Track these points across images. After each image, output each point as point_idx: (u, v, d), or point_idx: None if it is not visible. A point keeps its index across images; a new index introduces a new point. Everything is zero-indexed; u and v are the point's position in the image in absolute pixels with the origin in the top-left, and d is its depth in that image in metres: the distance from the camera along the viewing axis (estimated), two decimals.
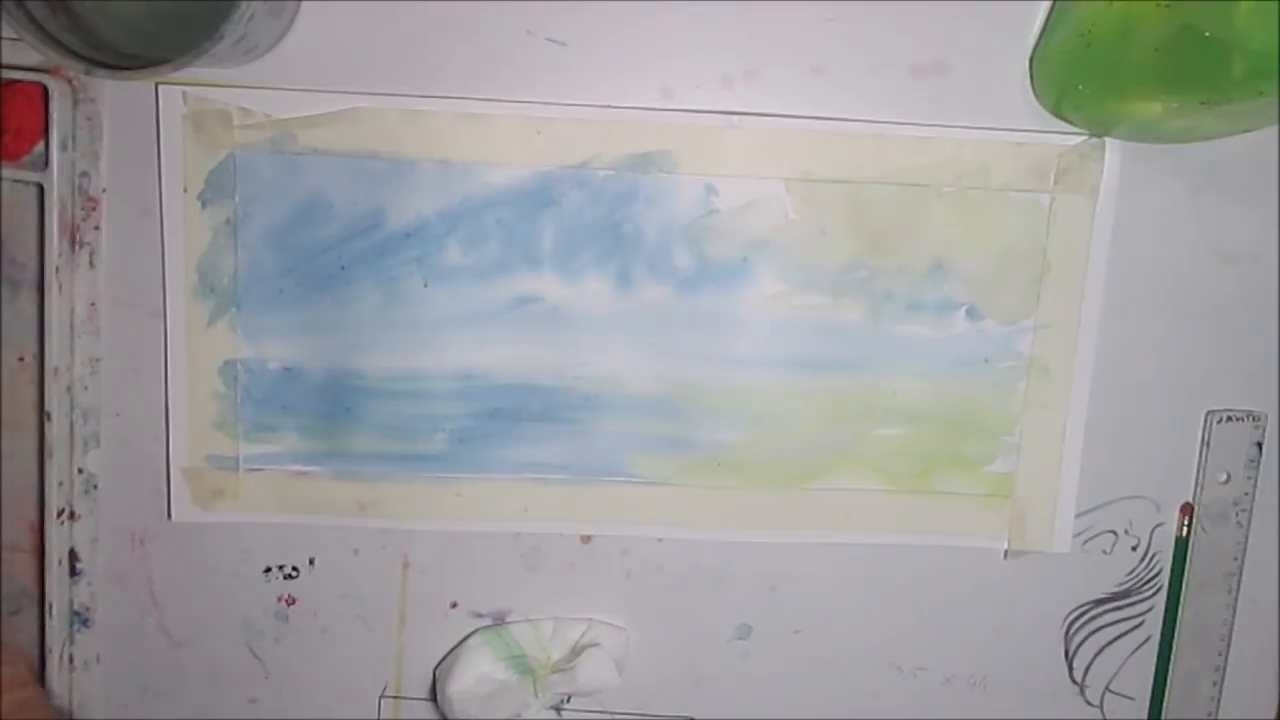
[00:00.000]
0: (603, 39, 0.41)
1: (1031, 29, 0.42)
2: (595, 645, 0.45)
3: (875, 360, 0.44)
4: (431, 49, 0.41)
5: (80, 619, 0.45)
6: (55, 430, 0.43)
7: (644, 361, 0.44)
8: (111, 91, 0.42)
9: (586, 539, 0.46)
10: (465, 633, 0.46)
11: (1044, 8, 0.41)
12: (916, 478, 0.45)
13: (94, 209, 0.42)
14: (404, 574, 0.46)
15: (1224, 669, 0.47)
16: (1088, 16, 0.38)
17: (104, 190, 0.42)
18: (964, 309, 0.44)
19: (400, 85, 0.41)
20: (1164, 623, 0.47)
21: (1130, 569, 0.47)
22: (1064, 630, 0.47)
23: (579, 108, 0.42)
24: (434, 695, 0.47)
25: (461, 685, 0.45)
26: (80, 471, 0.44)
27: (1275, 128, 0.42)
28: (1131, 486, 0.46)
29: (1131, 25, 0.36)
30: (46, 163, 0.41)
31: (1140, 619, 0.47)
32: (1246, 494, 0.46)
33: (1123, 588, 0.47)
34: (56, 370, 0.42)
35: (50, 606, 0.44)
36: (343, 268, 0.43)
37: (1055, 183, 0.43)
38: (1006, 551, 0.46)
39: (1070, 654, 0.47)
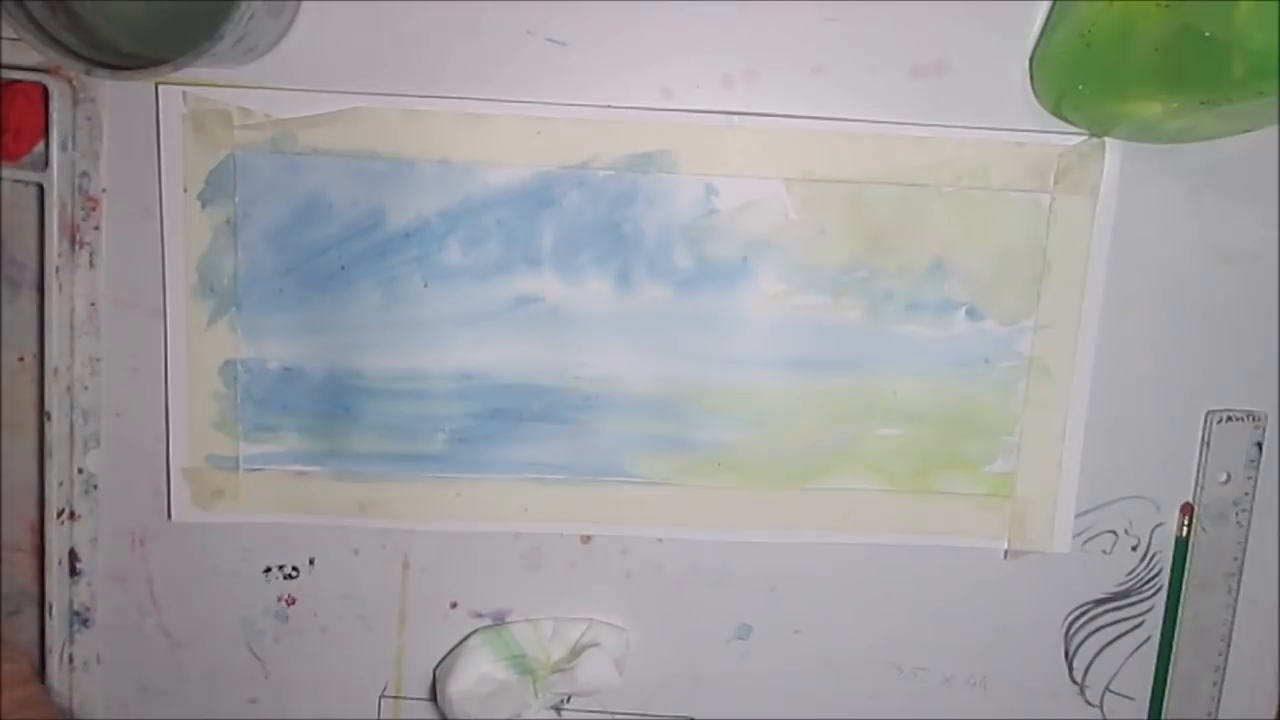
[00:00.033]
0: (603, 39, 0.41)
1: (1031, 29, 0.42)
2: (595, 645, 0.45)
3: (875, 360, 0.44)
4: (431, 49, 0.41)
5: (80, 619, 0.45)
6: (55, 430, 0.43)
7: (644, 361, 0.44)
8: (111, 91, 0.42)
9: (586, 539, 0.46)
10: (465, 633, 0.46)
11: (1044, 8, 0.41)
12: (916, 478, 0.45)
13: (94, 209, 0.42)
14: (404, 574, 0.46)
15: (1224, 669, 0.47)
16: (1088, 16, 0.38)
17: (104, 190, 0.42)
18: (964, 309, 0.44)
19: (400, 85, 0.41)
20: (1164, 623, 0.47)
21: (1130, 569, 0.47)
22: (1064, 630, 0.47)
23: (579, 108, 0.42)
24: (434, 695, 0.47)
25: (461, 685, 0.45)
26: (80, 471, 0.44)
27: (1275, 128, 0.42)
28: (1131, 486, 0.46)
29: (1131, 25, 0.36)
30: (46, 163, 0.41)
31: (1140, 619, 0.47)
32: (1246, 494, 0.46)
33: (1123, 588, 0.47)
34: (56, 370, 0.42)
35: (50, 606, 0.44)
36: (343, 268, 0.43)
37: (1055, 183, 0.43)
38: (1006, 551, 0.46)
39: (1070, 654, 0.47)
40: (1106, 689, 0.48)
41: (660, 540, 0.46)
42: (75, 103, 0.41)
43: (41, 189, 0.41)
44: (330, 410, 0.44)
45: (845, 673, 0.47)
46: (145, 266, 0.43)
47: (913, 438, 0.45)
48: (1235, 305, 0.44)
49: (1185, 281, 0.44)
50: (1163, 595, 0.47)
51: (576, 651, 0.45)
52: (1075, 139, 0.42)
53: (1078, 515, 0.46)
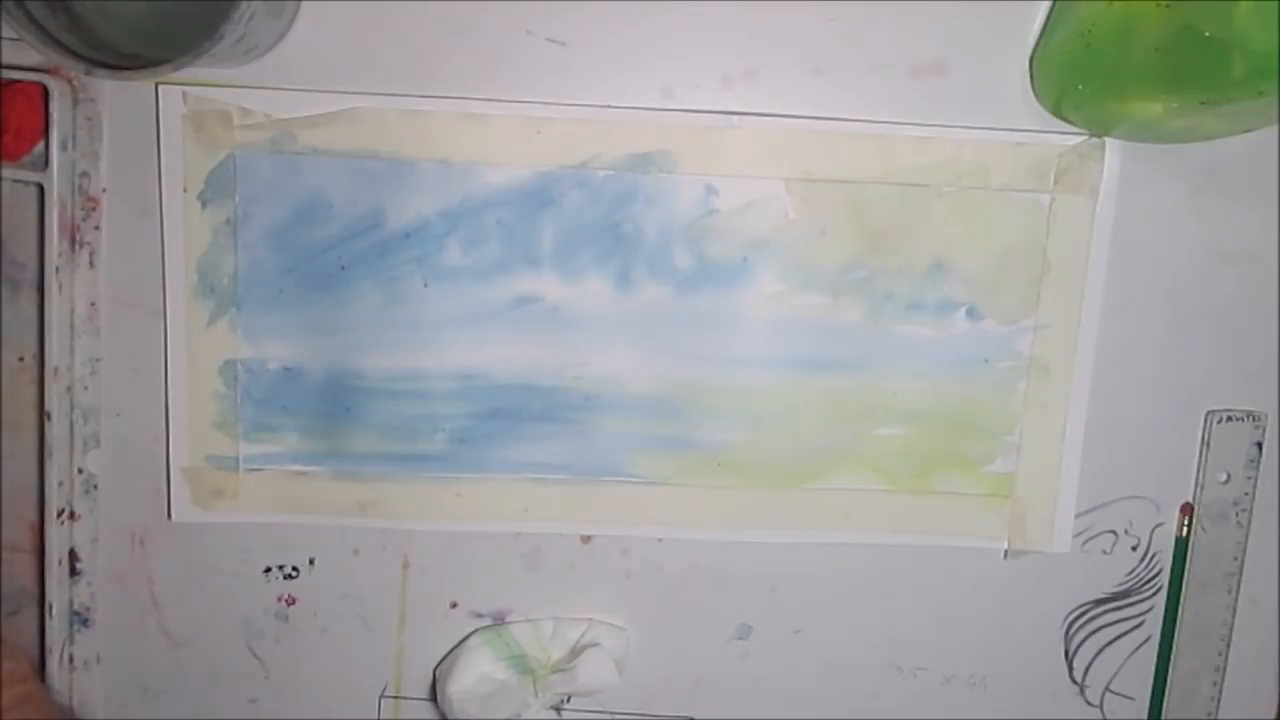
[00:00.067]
0: (603, 39, 0.41)
1: (1031, 29, 0.42)
2: (595, 645, 0.45)
3: (875, 360, 0.44)
4: (431, 49, 0.41)
5: (80, 619, 0.45)
6: (55, 430, 0.43)
7: (644, 361, 0.44)
8: (111, 91, 0.42)
9: (586, 539, 0.46)
10: (465, 633, 0.46)
11: (1044, 8, 0.41)
12: (916, 478, 0.45)
13: (94, 209, 0.42)
14: (404, 574, 0.46)
15: (1224, 669, 0.47)
16: (1088, 16, 0.38)
17: (104, 190, 0.42)
18: (964, 309, 0.44)
19: (400, 85, 0.41)
20: (1164, 623, 0.47)
21: (1130, 569, 0.47)
22: (1064, 630, 0.47)
23: (579, 108, 0.42)
24: (434, 695, 0.47)
25: (461, 685, 0.45)
26: (80, 471, 0.44)
27: (1275, 128, 0.42)
28: (1131, 486, 0.46)
29: (1131, 25, 0.36)
30: (46, 163, 0.41)
31: (1140, 619, 0.47)
32: (1246, 494, 0.46)
33: (1123, 588, 0.47)
34: (56, 370, 0.42)
35: (50, 606, 0.44)
36: (343, 268, 0.43)
37: (1055, 183, 0.43)
38: (1006, 551, 0.46)
39: (1070, 654, 0.47)
40: (1106, 689, 0.48)
41: (660, 540, 0.46)
42: (75, 103, 0.41)
43: (41, 189, 0.41)
44: (330, 410, 0.44)
45: (845, 673, 0.47)
46: (145, 266, 0.43)
47: (913, 438, 0.45)
48: (1235, 305, 0.44)
49: (1185, 281, 0.44)
50: (1163, 595, 0.47)
51: (576, 651, 0.45)
52: (1075, 139, 0.42)
53: (1078, 515, 0.46)
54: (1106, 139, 0.43)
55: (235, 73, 0.41)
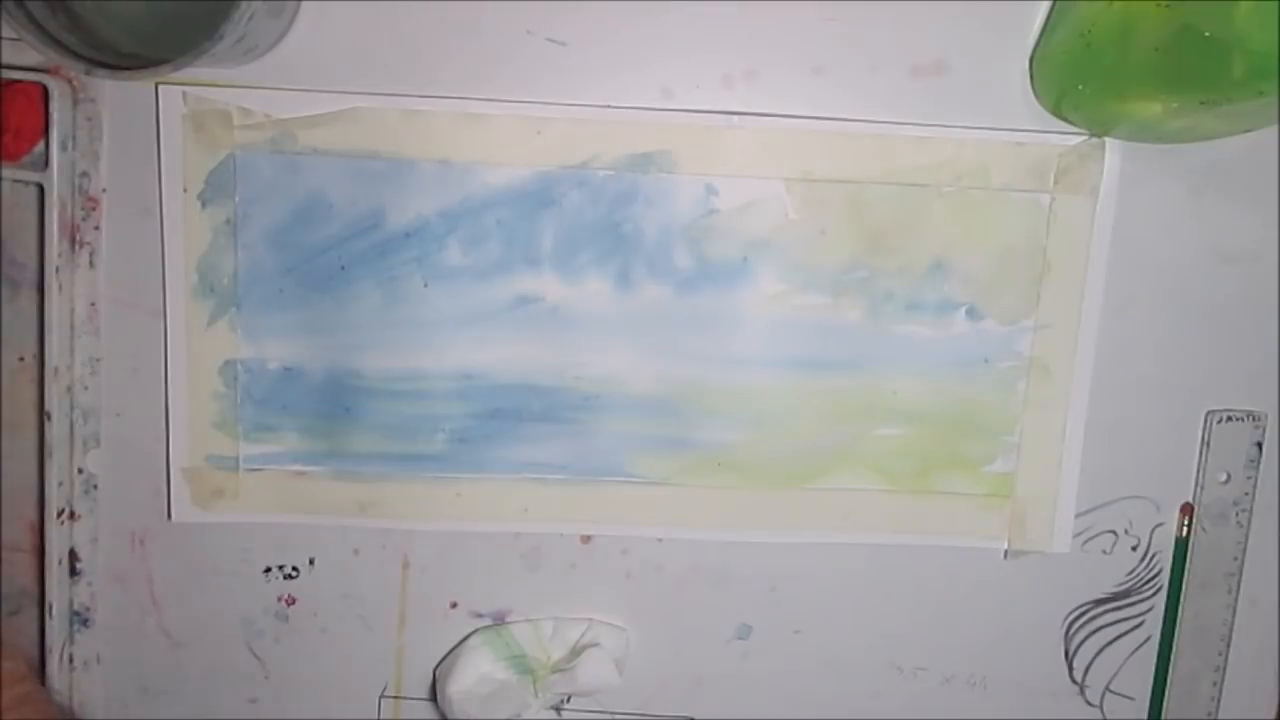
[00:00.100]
0: (603, 39, 0.41)
1: (1031, 29, 0.42)
2: (595, 645, 0.45)
3: (875, 360, 0.44)
4: (431, 49, 0.41)
5: (80, 619, 0.45)
6: (55, 430, 0.43)
7: (644, 361, 0.44)
8: (111, 91, 0.42)
9: (586, 539, 0.46)
10: (465, 633, 0.46)
11: (1044, 8, 0.41)
12: (916, 478, 0.45)
13: (94, 209, 0.42)
14: (404, 574, 0.46)
15: (1224, 669, 0.47)
16: (1088, 16, 0.38)
17: (104, 190, 0.42)
18: (964, 309, 0.44)
19: (400, 85, 0.41)
20: (1164, 623, 0.47)
21: (1130, 569, 0.47)
22: (1064, 630, 0.47)
23: (579, 108, 0.42)
24: (434, 695, 0.47)
25: (461, 685, 0.45)
26: (80, 471, 0.44)
27: (1275, 128, 0.42)
28: (1131, 486, 0.46)
29: (1131, 25, 0.36)
30: (46, 163, 0.41)
31: (1140, 619, 0.47)
32: (1246, 494, 0.46)
33: (1123, 588, 0.47)
34: (56, 370, 0.42)
35: (50, 606, 0.44)
36: (343, 268, 0.43)
37: (1055, 183, 0.43)
38: (1006, 551, 0.46)
39: (1070, 654, 0.47)
40: (1106, 689, 0.48)
41: (660, 540, 0.46)
42: (75, 103, 0.41)
43: (41, 189, 0.41)
44: (330, 410, 0.44)
45: (845, 673, 0.47)
46: (145, 266, 0.43)
47: (913, 438, 0.45)
48: (1235, 305, 0.44)
49: (1185, 281, 0.44)
50: (1163, 595, 0.47)
51: (576, 651, 0.45)
52: (1075, 139, 0.42)
53: (1078, 515, 0.46)
54: (1106, 139, 0.43)
55: (235, 73, 0.41)
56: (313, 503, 0.45)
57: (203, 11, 0.36)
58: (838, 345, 0.44)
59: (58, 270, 0.42)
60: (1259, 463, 0.46)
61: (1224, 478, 0.46)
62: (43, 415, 0.43)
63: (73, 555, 0.44)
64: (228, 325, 0.43)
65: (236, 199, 0.42)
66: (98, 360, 0.44)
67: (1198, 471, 0.46)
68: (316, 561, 0.46)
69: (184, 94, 0.41)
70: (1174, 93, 0.36)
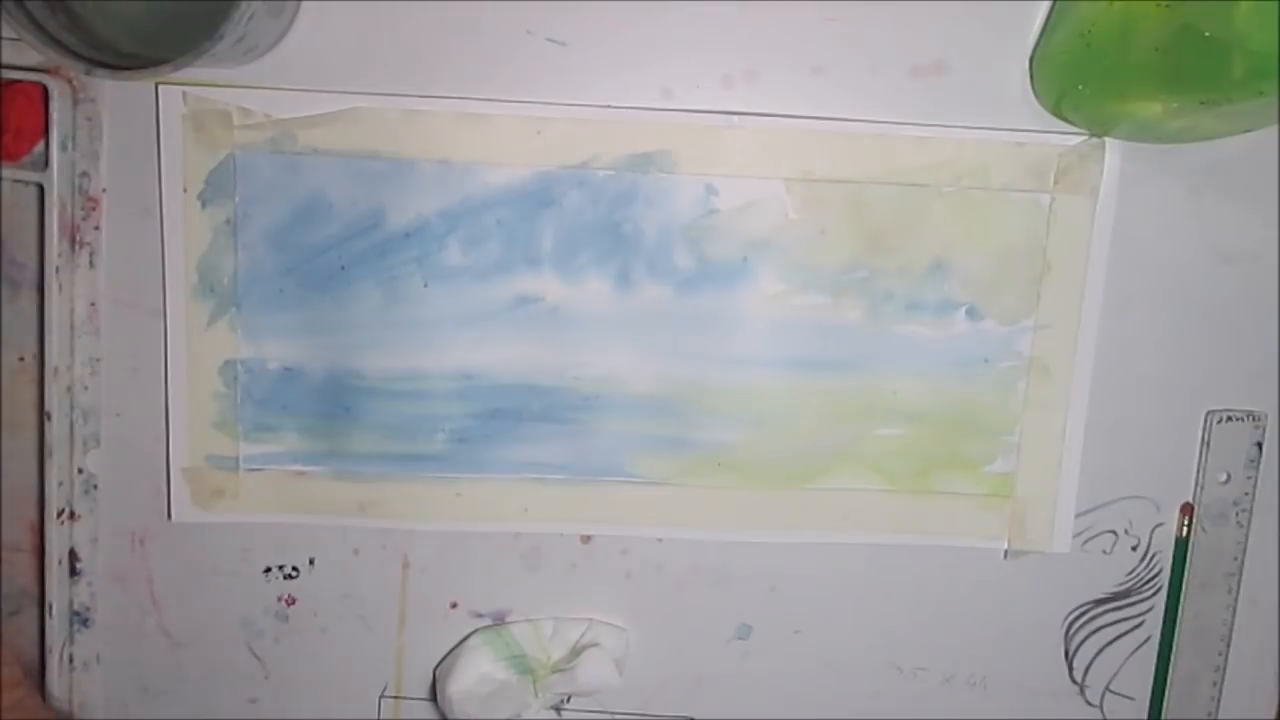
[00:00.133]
0: (603, 39, 0.41)
1: (1031, 29, 0.42)
2: (595, 645, 0.45)
3: (875, 360, 0.44)
4: (431, 49, 0.41)
5: (80, 619, 0.45)
6: (55, 430, 0.43)
7: (644, 361, 0.44)
8: (111, 91, 0.42)
9: (586, 539, 0.46)
10: (465, 633, 0.46)
11: (1044, 8, 0.41)
12: (916, 478, 0.45)
13: (94, 209, 0.42)
14: (404, 574, 0.46)
15: (1224, 669, 0.47)
16: (1088, 16, 0.38)
17: (104, 190, 0.42)
18: (964, 309, 0.44)
19: (400, 85, 0.41)
20: (1164, 623, 0.47)
21: (1130, 569, 0.47)
22: (1064, 630, 0.47)
23: (579, 108, 0.42)
24: (434, 695, 0.47)
25: (461, 685, 0.45)
26: (80, 471, 0.44)
27: (1275, 128, 0.42)
28: (1131, 486, 0.46)
29: (1131, 25, 0.36)
30: (46, 163, 0.41)
31: (1140, 619, 0.47)
32: (1246, 494, 0.46)
33: (1123, 588, 0.47)
34: (56, 370, 0.42)
35: (50, 606, 0.44)
36: (343, 268, 0.43)
37: (1055, 183, 0.43)
38: (1006, 551, 0.46)
39: (1070, 654, 0.47)
40: (1106, 689, 0.48)
41: (660, 540, 0.46)
42: (75, 103, 0.41)
43: (41, 189, 0.41)
44: (330, 410, 0.44)
45: (845, 673, 0.47)
46: (145, 266, 0.43)
47: (913, 438, 0.45)
48: (1235, 305, 0.44)
49: (1185, 281, 0.44)
50: (1163, 595, 0.47)
51: (576, 651, 0.45)
52: (1075, 139, 0.42)
53: (1078, 515, 0.46)
54: (1106, 139, 0.43)
55: (235, 73, 0.41)
56: (313, 503, 0.45)
57: (203, 11, 0.36)
58: (838, 345, 0.44)
59: (58, 270, 0.42)
60: (1259, 463, 0.46)
61: (1224, 478, 0.46)
62: (43, 415, 0.43)
63: (73, 555, 0.44)
64: (228, 325, 0.43)
65: (236, 199, 0.42)
66: (98, 360, 0.44)
67: (1198, 471, 0.46)
68: (316, 561, 0.46)
69: (184, 94, 0.41)
70: (1174, 93, 0.36)
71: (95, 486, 0.45)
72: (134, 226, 0.43)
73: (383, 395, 0.44)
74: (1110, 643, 0.47)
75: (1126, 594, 0.47)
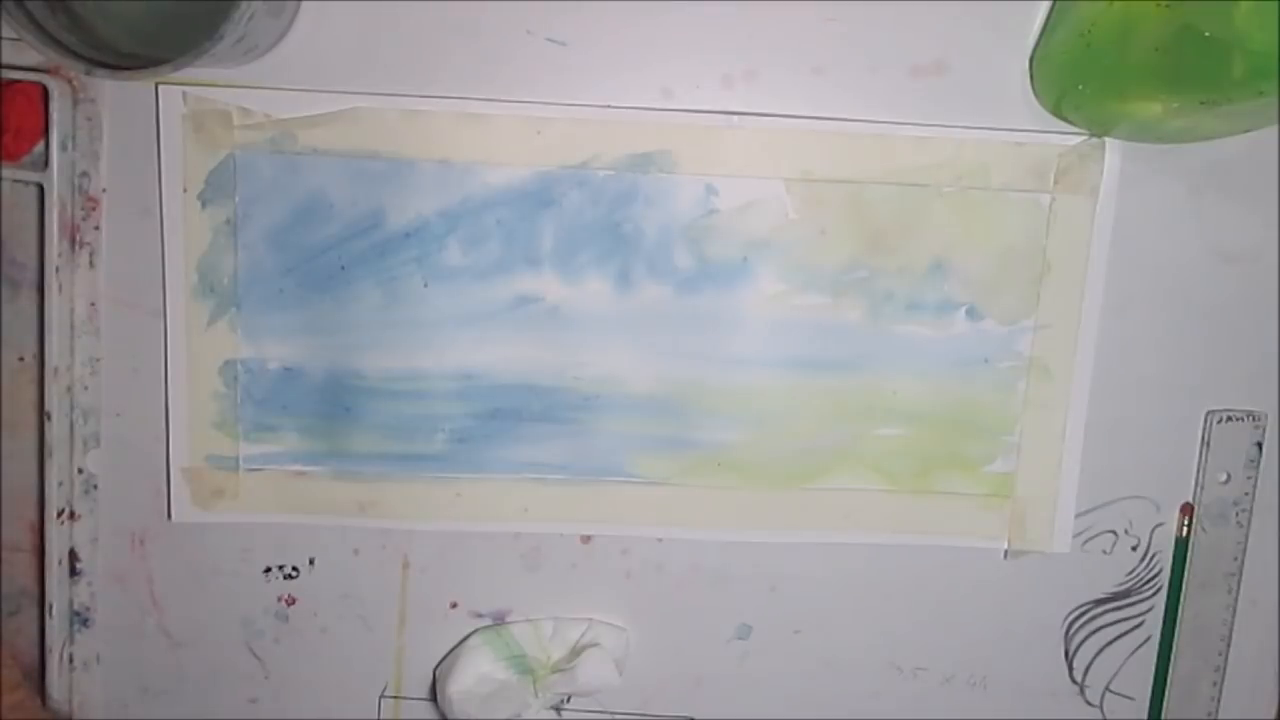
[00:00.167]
0: (603, 39, 0.41)
1: (1031, 29, 0.42)
2: (595, 645, 0.45)
3: (875, 360, 0.44)
4: (431, 49, 0.41)
5: (80, 619, 0.45)
6: (55, 430, 0.43)
7: (644, 361, 0.44)
8: (111, 91, 0.42)
9: (586, 539, 0.46)
10: (465, 633, 0.46)
11: (1044, 8, 0.41)
12: (916, 478, 0.45)
13: (94, 209, 0.42)
14: (404, 574, 0.46)
15: (1224, 669, 0.47)
16: (1088, 16, 0.38)
17: (104, 190, 0.42)
18: (964, 309, 0.44)
19: (400, 85, 0.41)
20: (1164, 623, 0.47)
21: (1130, 569, 0.47)
22: (1064, 630, 0.47)
23: (579, 108, 0.42)
24: (434, 695, 0.47)
25: (461, 685, 0.45)
26: (80, 471, 0.44)
27: (1275, 128, 0.42)
28: (1131, 486, 0.46)
29: (1131, 25, 0.36)
30: (46, 163, 0.41)
31: (1140, 619, 0.47)
32: (1246, 494, 0.46)
33: (1123, 588, 0.47)
34: (56, 370, 0.42)
35: (50, 606, 0.44)
36: (343, 268, 0.43)
37: (1055, 183, 0.43)
38: (1006, 551, 0.46)
39: (1070, 654, 0.47)
40: (1106, 689, 0.48)
41: (660, 540, 0.46)
42: (75, 103, 0.41)
43: (41, 189, 0.41)
44: (330, 410, 0.44)
45: (845, 673, 0.47)
46: (145, 266, 0.43)
47: (913, 438, 0.45)
48: (1235, 305, 0.44)
49: (1185, 281, 0.44)
50: (1163, 595, 0.47)
51: (576, 651, 0.45)
52: (1075, 139, 0.42)
53: (1078, 515, 0.46)
54: (1106, 139, 0.43)
55: (235, 73, 0.41)
56: (313, 503, 0.45)
57: (203, 11, 0.36)
58: (838, 345, 0.44)
59: (58, 270, 0.42)
60: (1259, 463, 0.46)
61: (1224, 478, 0.46)
62: (43, 415, 0.43)
63: (73, 555, 0.44)
64: (228, 325, 0.43)
65: (236, 199, 0.42)
66: (98, 360, 0.44)
67: (1198, 471, 0.46)
68: (316, 561, 0.46)
69: (184, 94, 0.41)
70: (1174, 93, 0.36)
71: (95, 486, 0.45)
72: (134, 226, 0.43)
73: (383, 395, 0.44)
74: (1110, 643, 0.47)
75: (1126, 594, 0.47)
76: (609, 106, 0.42)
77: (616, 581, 0.46)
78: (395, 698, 0.47)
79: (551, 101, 0.42)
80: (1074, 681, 0.48)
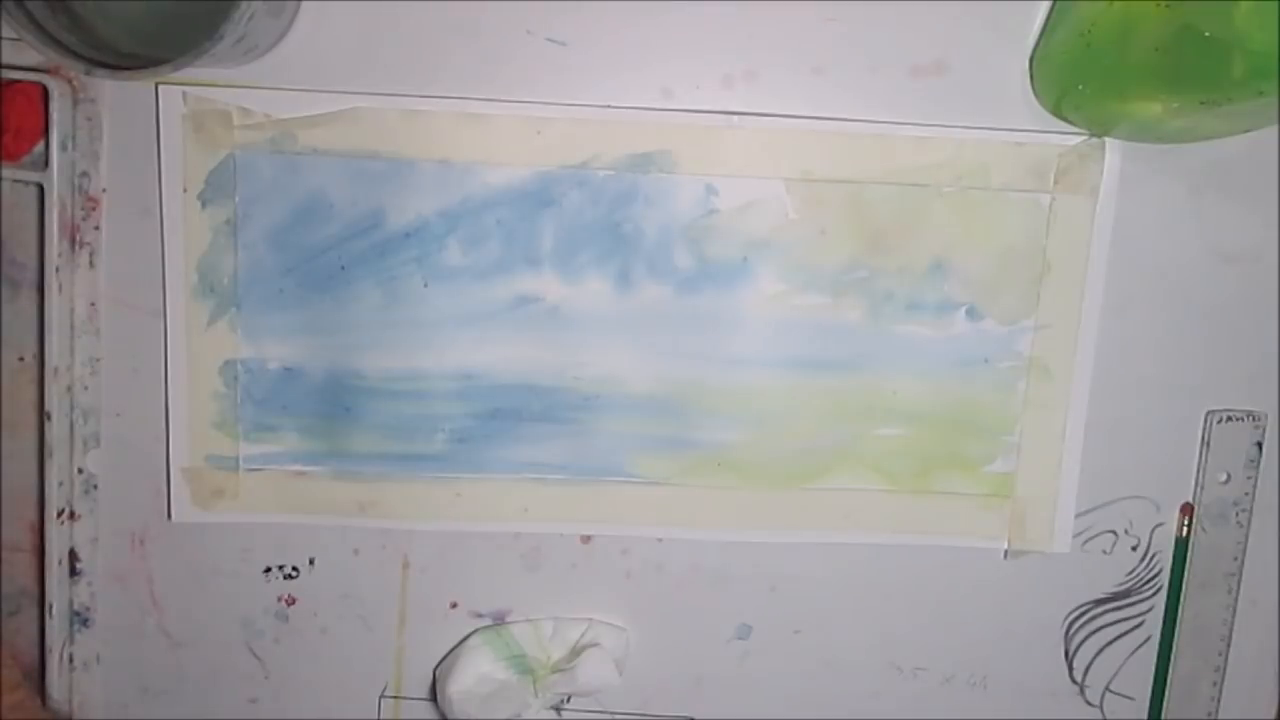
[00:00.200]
0: (603, 39, 0.41)
1: (1031, 29, 0.42)
2: (595, 645, 0.45)
3: (875, 360, 0.44)
4: (431, 49, 0.41)
5: (80, 619, 0.45)
6: (55, 430, 0.43)
7: (644, 361, 0.44)
8: (111, 91, 0.42)
9: (586, 539, 0.46)
10: (465, 633, 0.46)
11: (1044, 8, 0.41)
12: (916, 478, 0.45)
13: (94, 209, 0.42)
14: (404, 574, 0.46)
15: (1224, 669, 0.47)
16: (1088, 16, 0.38)
17: (104, 190, 0.42)
18: (964, 309, 0.44)
19: (400, 85, 0.41)
20: (1164, 623, 0.47)
21: (1130, 569, 0.47)
22: (1064, 630, 0.47)
23: (579, 108, 0.42)
24: (434, 695, 0.47)
25: (461, 685, 0.45)
26: (80, 471, 0.44)
27: (1275, 128, 0.42)
28: (1131, 486, 0.46)
29: (1131, 25, 0.36)
30: (46, 163, 0.41)
31: (1140, 619, 0.47)
32: (1246, 494, 0.46)
33: (1123, 588, 0.47)
34: (56, 370, 0.42)
35: (50, 606, 0.44)
36: (343, 268, 0.43)
37: (1055, 183, 0.43)
38: (1006, 551, 0.46)
39: (1070, 654, 0.47)
40: (1106, 689, 0.48)
41: (660, 540, 0.46)
42: (75, 103, 0.41)
43: (41, 189, 0.41)
44: (330, 410, 0.44)
45: (845, 673, 0.47)
46: (145, 266, 0.43)
47: (913, 438, 0.45)
48: (1235, 305, 0.44)
49: (1185, 281, 0.44)
50: (1163, 595, 0.47)
51: (576, 651, 0.45)
52: (1075, 139, 0.42)
53: (1078, 515, 0.46)
54: (1106, 139, 0.43)
55: (235, 73, 0.41)
56: (313, 503, 0.45)
57: (203, 11, 0.36)
58: (838, 345, 0.44)
59: (58, 270, 0.42)
60: (1259, 463, 0.46)
61: (1224, 478, 0.46)
62: (43, 415, 0.43)
63: (73, 555, 0.44)
64: (228, 325, 0.43)
65: (236, 199, 0.42)
66: (98, 360, 0.44)
67: (1198, 471, 0.46)
68: (316, 561, 0.46)
69: (184, 94, 0.41)
70: (1174, 93, 0.36)
71: (95, 486, 0.45)
72: (134, 226, 0.43)
73: (383, 395, 0.44)
74: (1110, 643, 0.47)
75: (1126, 594, 0.47)
76: (609, 106, 0.42)
77: (616, 581, 0.46)
78: (395, 698, 0.47)
79: (551, 101, 0.42)
80: (1074, 681, 0.48)
